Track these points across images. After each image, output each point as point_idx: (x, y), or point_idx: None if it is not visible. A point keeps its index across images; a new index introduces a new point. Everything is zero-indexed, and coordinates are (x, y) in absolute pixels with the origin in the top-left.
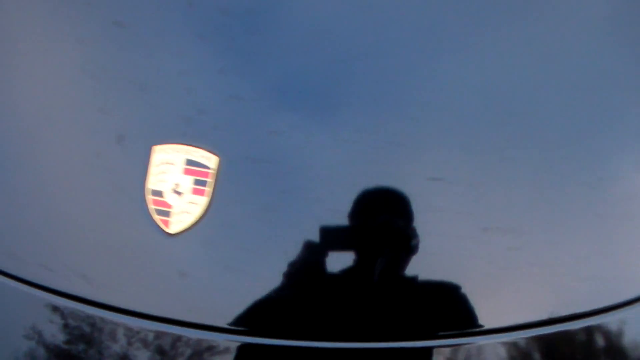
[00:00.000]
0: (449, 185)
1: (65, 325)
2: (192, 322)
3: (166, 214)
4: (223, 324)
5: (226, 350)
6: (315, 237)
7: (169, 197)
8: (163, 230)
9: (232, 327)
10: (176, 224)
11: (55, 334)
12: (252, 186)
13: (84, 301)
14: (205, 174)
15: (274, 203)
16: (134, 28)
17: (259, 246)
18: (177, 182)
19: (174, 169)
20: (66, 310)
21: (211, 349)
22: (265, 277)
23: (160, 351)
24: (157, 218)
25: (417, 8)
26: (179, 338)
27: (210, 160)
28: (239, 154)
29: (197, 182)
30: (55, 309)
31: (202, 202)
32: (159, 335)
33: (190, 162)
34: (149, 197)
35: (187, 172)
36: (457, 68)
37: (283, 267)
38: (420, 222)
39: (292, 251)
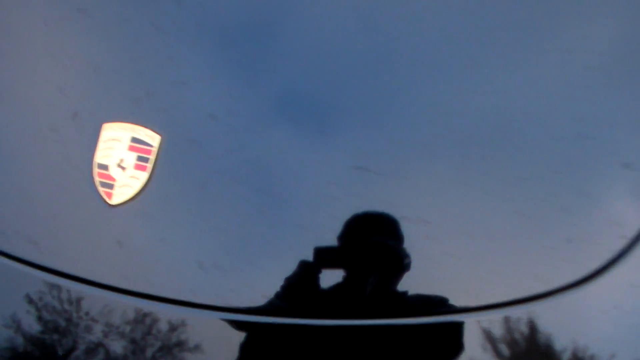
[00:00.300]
0: (373, 176)
1: (12, 287)
2: (124, 289)
3: (110, 186)
4: (154, 291)
5: (153, 316)
6: (246, 216)
7: (113, 171)
8: (106, 202)
9: (161, 295)
10: (118, 196)
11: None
12: (189, 165)
13: (32, 265)
14: (148, 152)
15: (209, 181)
16: (96, 15)
17: (191, 221)
18: (122, 158)
19: (120, 145)
20: (16, 273)
21: (141, 314)
22: (195, 249)
23: (95, 313)
24: (101, 190)
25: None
26: (110, 302)
27: (153, 139)
28: (180, 135)
29: (140, 159)
30: (6, 270)
31: (143, 177)
32: (94, 298)
33: (135, 140)
34: (96, 170)
35: (132, 148)
36: (390, 66)
37: (212, 241)
38: (345, 209)
39: (219, 227)
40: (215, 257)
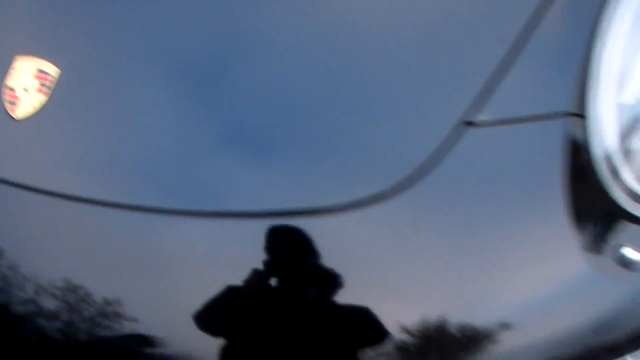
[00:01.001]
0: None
1: None
2: (17, 182)
3: (15, 104)
4: (39, 184)
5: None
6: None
7: (19, 93)
8: (10, 116)
9: (44, 188)
10: (21, 112)
11: None
12: (80, 92)
13: None
14: (49, 80)
15: (94, 103)
16: None
17: (76, 132)
18: (28, 83)
19: (27, 73)
20: None
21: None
22: (76, 154)
23: None
24: (8, 107)
25: None
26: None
27: (53, 70)
28: (76, 68)
29: (42, 85)
30: None
31: (42, 99)
32: None
33: (39, 70)
34: (5, 91)
35: (36, 77)
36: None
37: (92, 148)
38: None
39: (98, 137)
40: (92, 160)
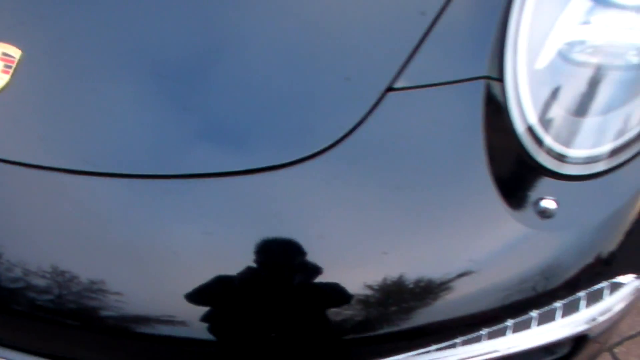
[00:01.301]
0: None
1: None
2: None
3: None
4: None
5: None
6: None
7: None
8: None
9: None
10: None
11: None
12: (39, 72)
13: None
14: (12, 62)
15: (53, 82)
16: None
17: (34, 105)
18: None
19: None
20: None
21: None
22: (36, 124)
23: None
24: None
25: None
26: None
27: (16, 53)
28: (38, 52)
29: (6, 66)
30: None
31: (5, 78)
32: None
33: (4, 53)
34: None
35: (1, 59)
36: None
37: (50, 118)
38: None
39: (54, 108)
40: (48, 130)
